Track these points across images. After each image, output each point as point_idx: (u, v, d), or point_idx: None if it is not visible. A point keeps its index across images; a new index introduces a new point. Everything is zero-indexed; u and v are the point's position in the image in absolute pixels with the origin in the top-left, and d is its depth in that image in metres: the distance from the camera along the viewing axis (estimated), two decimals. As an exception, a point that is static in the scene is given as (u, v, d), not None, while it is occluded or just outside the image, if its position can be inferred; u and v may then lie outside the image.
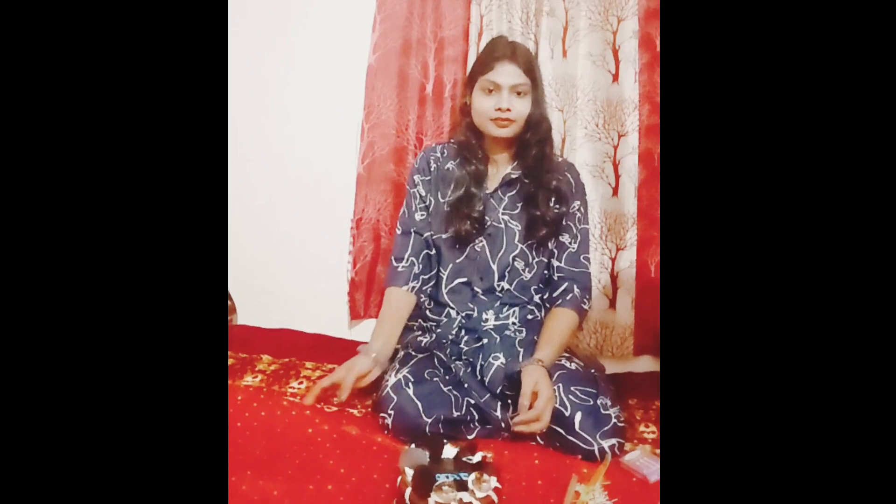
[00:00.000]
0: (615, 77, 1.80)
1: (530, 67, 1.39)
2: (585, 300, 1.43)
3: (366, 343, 1.42)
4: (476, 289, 1.45)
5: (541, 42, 1.80)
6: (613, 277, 1.86)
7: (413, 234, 1.49)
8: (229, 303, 2.06)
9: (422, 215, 1.50)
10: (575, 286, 1.43)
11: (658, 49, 1.76)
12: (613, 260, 1.85)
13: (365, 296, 1.98)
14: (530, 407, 1.20)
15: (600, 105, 1.82)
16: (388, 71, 1.89)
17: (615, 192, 1.84)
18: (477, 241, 1.45)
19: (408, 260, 1.48)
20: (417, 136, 1.91)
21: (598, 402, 1.24)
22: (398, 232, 1.53)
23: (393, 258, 1.51)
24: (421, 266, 1.48)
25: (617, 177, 1.83)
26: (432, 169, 1.50)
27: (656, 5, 1.75)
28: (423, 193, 1.50)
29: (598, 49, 1.80)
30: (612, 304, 1.87)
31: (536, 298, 1.48)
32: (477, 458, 1.05)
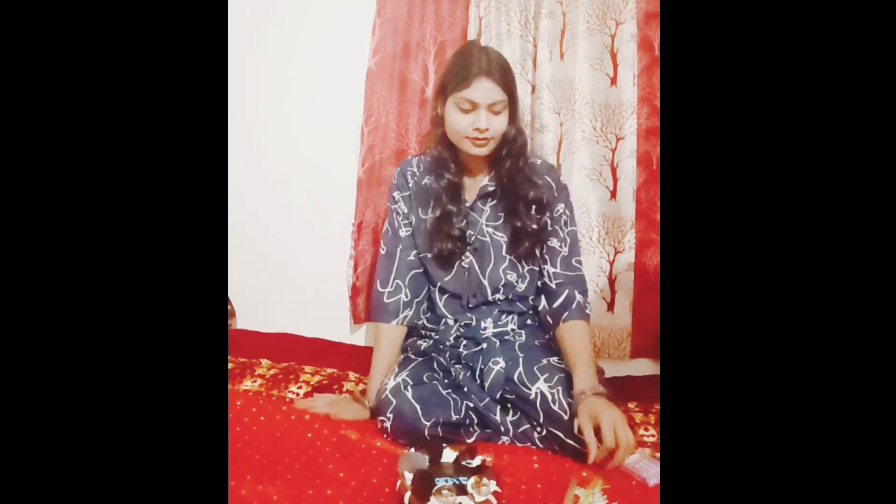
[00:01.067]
0: (613, 80, 1.81)
1: (507, 80, 1.31)
2: (587, 305, 1.41)
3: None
4: (471, 305, 1.44)
5: (539, 44, 1.81)
6: (611, 280, 1.86)
7: (398, 253, 1.44)
8: (229, 307, 2.06)
9: (407, 231, 1.46)
10: (576, 292, 1.39)
11: (657, 52, 1.77)
12: (611, 263, 1.85)
13: (366, 300, 1.98)
14: (600, 441, 1.12)
15: (598, 108, 1.82)
16: (387, 74, 1.89)
17: (613, 195, 1.84)
18: (464, 258, 1.42)
19: (393, 284, 1.43)
20: (417, 139, 1.91)
21: (598, 405, 1.24)
22: (382, 252, 1.48)
23: (378, 282, 1.46)
24: (409, 291, 1.43)
25: (615, 180, 1.83)
26: (410, 184, 1.46)
27: (655, 8, 1.75)
28: (405, 210, 1.46)
29: (596, 52, 1.81)
30: (611, 306, 1.87)
31: (533, 304, 1.46)
32: (476, 461, 1.05)
